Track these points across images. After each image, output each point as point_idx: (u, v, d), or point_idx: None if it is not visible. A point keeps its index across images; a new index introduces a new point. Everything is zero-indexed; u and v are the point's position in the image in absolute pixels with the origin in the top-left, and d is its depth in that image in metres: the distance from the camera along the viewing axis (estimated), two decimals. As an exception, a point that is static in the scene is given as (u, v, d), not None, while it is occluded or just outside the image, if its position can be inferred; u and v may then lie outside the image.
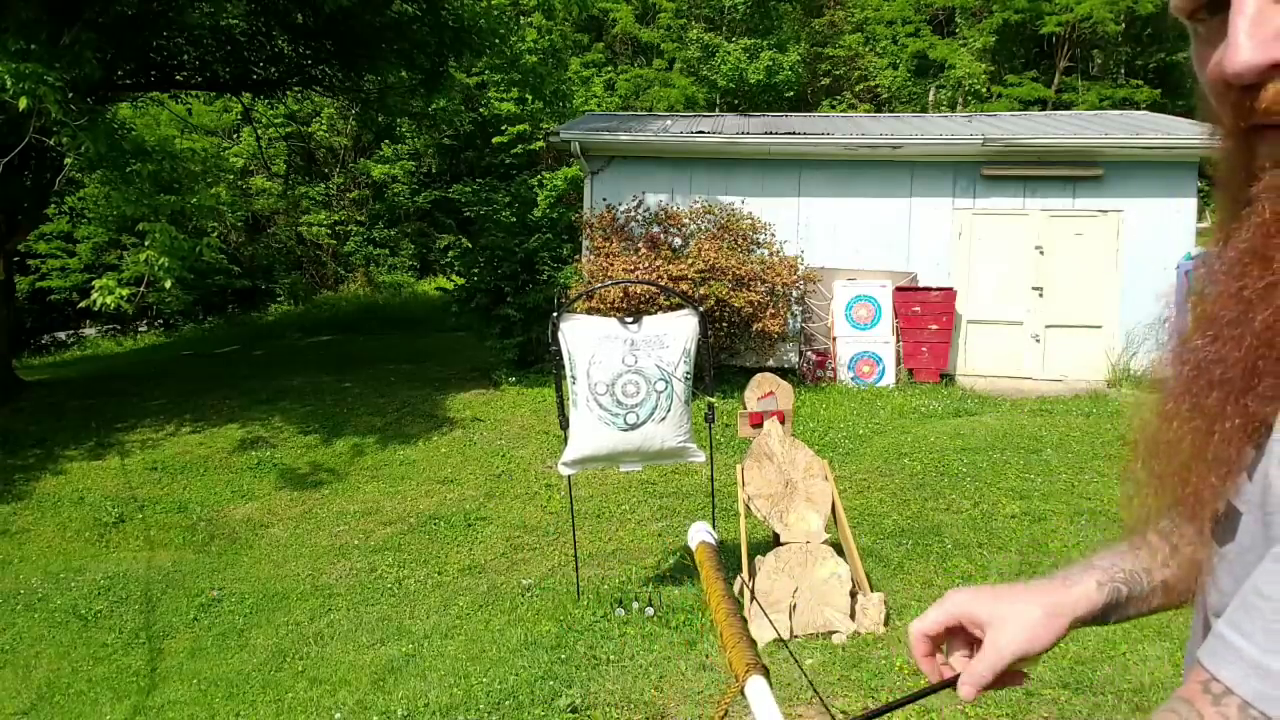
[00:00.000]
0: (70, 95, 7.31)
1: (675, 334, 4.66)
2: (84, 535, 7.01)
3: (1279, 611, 0.50)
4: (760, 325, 9.39)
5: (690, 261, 9.32)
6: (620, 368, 4.54)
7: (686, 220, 10.03)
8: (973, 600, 0.89)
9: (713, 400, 4.91)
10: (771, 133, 10.48)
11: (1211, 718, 0.52)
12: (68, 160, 9.45)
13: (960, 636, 0.91)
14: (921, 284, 10.07)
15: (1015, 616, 0.86)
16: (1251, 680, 0.51)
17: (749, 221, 10.00)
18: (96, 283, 8.35)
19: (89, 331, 18.26)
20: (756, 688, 0.89)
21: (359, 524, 6.84)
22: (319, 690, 4.40)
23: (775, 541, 4.59)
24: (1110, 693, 3.54)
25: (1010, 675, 0.89)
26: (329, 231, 20.59)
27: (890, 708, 0.87)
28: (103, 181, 9.05)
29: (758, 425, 4.98)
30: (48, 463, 8.38)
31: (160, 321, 18.82)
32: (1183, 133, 10.19)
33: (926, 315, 9.70)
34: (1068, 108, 19.94)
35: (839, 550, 4.48)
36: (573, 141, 10.36)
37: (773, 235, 10.02)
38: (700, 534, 1.19)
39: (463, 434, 8.56)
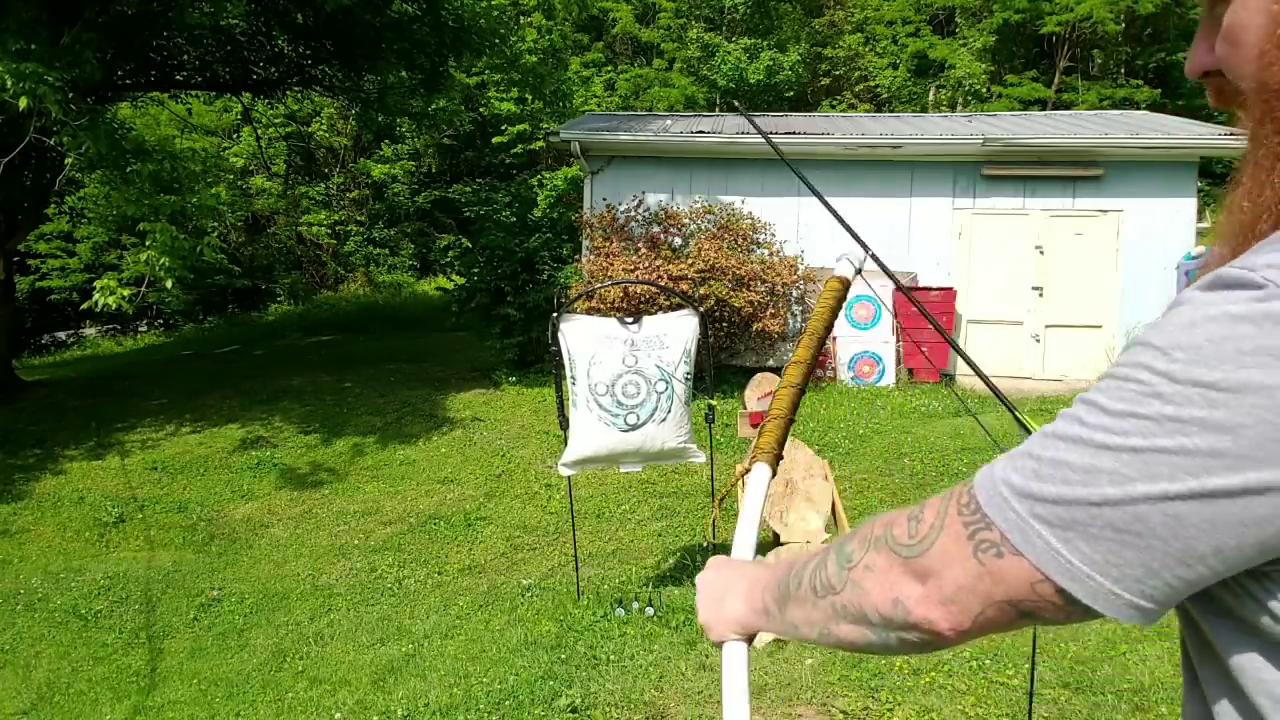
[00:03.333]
0: (70, 95, 7.30)
1: (675, 334, 4.66)
2: (84, 535, 7.01)
3: (1030, 440, 0.66)
4: (760, 325, 9.39)
5: (690, 261, 9.32)
6: (620, 368, 4.53)
7: (686, 220, 10.03)
8: None
9: (713, 402, 4.91)
10: (771, 132, 10.47)
11: (958, 492, 0.69)
12: (68, 160, 9.46)
13: None
14: (921, 284, 10.06)
15: None
16: (982, 474, 0.68)
17: (749, 221, 10.00)
18: (98, 283, 8.34)
19: (89, 331, 18.26)
20: (759, 473, 1.10)
21: (359, 524, 6.84)
22: (319, 690, 4.40)
23: (775, 541, 4.60)
24: (1110, 693, 3.54)
25: None
26: (329, 231, 20.58)
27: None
28: (103, 181, 9.04)
29: (758, 425, 4.98)
30: (48, 463, 8.38)
31: (160, 321, 18.82)
32: (1183, 133, 10.19)
33: (926, 315, 9.69)
34: (1068, 108, 19.93)
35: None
36: (573, 141, 10.36)
37: (773, 235, 10.02)
38: (843, 265, 1.26)
39: (463, 434, 8.56)
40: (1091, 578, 0.60)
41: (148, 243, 8.22)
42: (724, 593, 0.94)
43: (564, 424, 4.66)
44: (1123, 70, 22.95)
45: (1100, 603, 0.61)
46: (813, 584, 0.79)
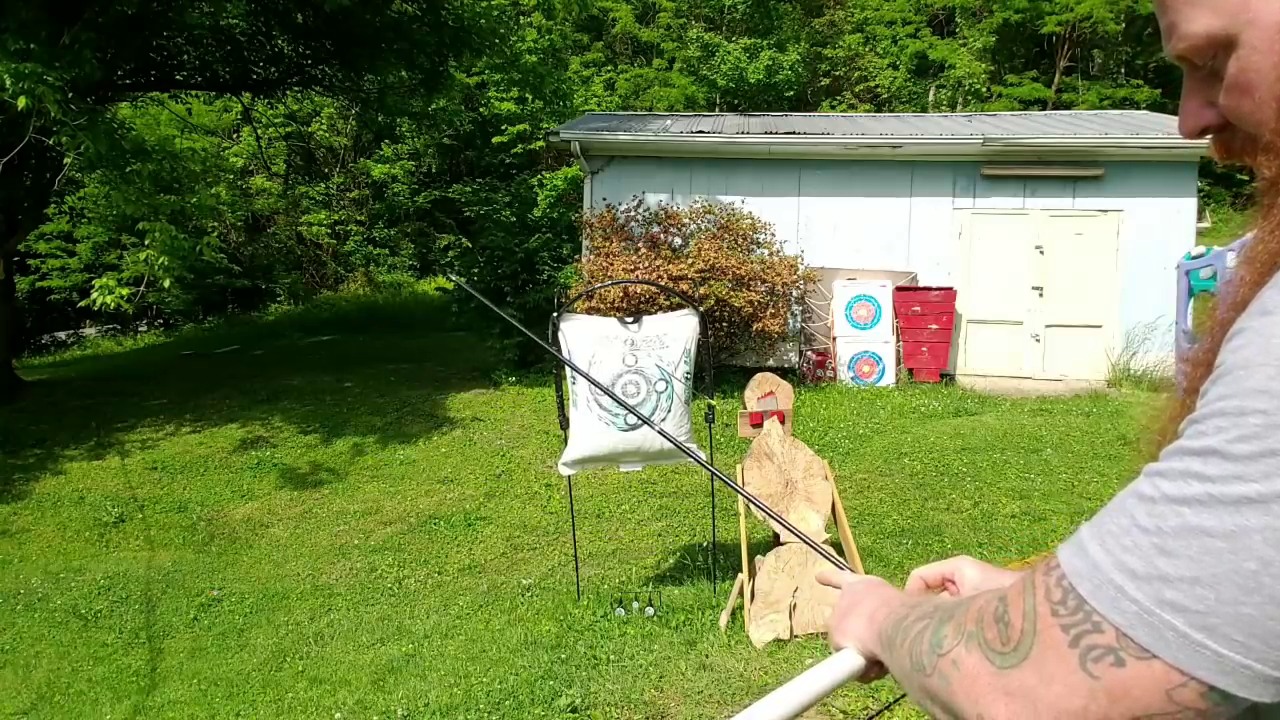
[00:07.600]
0: (70, 95, 7.30)
1: (675, 334, 4.66)
2: (84, 535, 7.01)
3: (1113, 510, 0.57)
4: (760, 325, 9.38)
5: (690, 261, 9.32)
6: (620, 368, 4.53)
7: (686, 220, 10.03)
8: (972, 563, 1.01)
9: (713, 402, 4.90)
10: (771, 132, 10.47)
11: (1040, 582, 0.60)
12: (68, 160, 9.45)
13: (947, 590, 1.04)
14: (921, 284, 10.07)
15: (997, 578, 0.98)
16: (1075, 559, 0.58)
17: (749, 221, 10.00)
18: (97, 282, 8.35)
19: (89, 331, 18.26)
20: None
21: (359, 524, 6.84)
22: (319, 690, 4.40)
23: (775, 541, 4.60)
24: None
25: None
26: (329, 231, 20.59)
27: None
28: (103, 181, 9.04)
29: (758, 425, 4.98)
30: (48, 463, 8.38)
31: (160, 321, 18.83)
32: (1183, 133, 10.16)
33: (927, 315, 9.70)
34: (1068, 108, 19.93)
35: (839, 550, 4.48)
36: (573, 141, 10.36)
37: (773, 235, 10.02)
38: None
39: (463, 434, 8.55)
40: (1248, 667, 0.50)
41: (147, 242, 8.23)
42: (854, 605, 0.89)
43: (564, 424, 4.66)
44: (1123, 70, 22.96)
45: (1257, 690, 0.51)
46: (910, 652, 0.72)
